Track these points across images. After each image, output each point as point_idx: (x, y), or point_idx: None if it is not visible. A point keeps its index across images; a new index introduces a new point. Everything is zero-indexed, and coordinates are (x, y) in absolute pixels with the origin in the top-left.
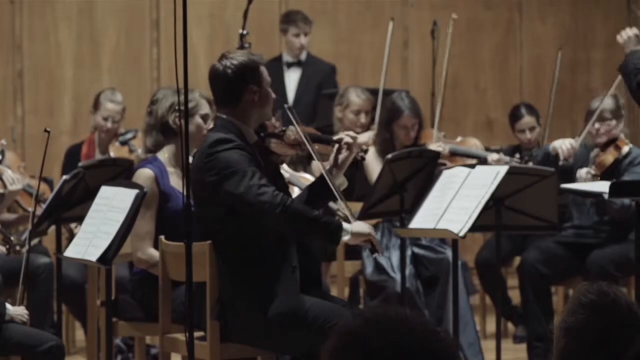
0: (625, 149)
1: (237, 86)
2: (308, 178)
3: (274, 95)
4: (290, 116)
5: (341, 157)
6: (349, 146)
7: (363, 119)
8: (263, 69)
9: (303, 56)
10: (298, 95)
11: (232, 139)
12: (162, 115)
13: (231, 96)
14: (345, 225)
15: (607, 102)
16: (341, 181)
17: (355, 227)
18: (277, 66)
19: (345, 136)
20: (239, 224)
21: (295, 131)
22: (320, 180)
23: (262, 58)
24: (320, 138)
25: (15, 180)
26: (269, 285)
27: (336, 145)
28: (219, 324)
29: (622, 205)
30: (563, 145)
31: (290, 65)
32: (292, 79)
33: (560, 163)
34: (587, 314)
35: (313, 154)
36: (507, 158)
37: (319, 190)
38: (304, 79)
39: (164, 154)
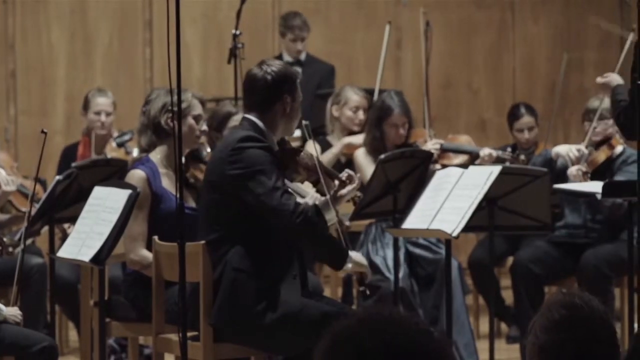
0: (619, 148)
1: (274, 93)
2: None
3: (300, 114)
4: (313, 146)
5: (342, 191)
6: (352, 182)
7: (361, 115)
8: (298, 85)
9: (302, 56)
10: None
11: (262, 138)
12: (154, 116)
13: (265, 101)
14: (350, 253)
15: (604, 102)
16: (331, 217)
17: (356, 257)
18: None
19: (351, 174)
20: (249, 222)
21: (309, 155)
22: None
23: (299, 73)
24: (328, 171)
25: (9, 181)
26: (270, 286)
27: (337, 182)
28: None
29: (614, 203)
30: (570, 152)
31: (290, 65)
32: None
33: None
34: (561, 333)
35: (324, 184)
36: (500, 152)
37: None
38: (304, 79)
39: (157, 155)
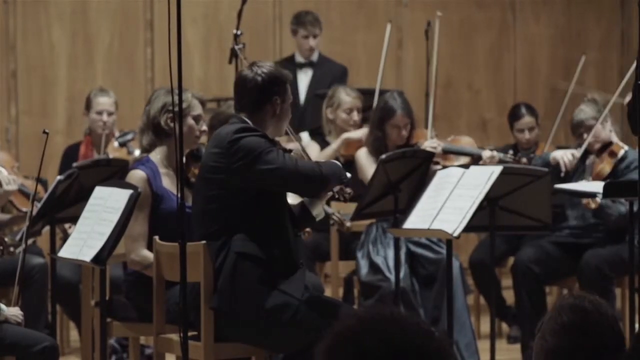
0: (621, 152)
1: (263, 94)
2: None
3: (290, 116)
4: (294, 137)
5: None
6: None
7: (356, 116)
8: (289, 86)
9: (314, 57)
10: (309, 96)
11: (255, 128)
12: (154, 116)
13: (255, 102)
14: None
15: (587, 110)
16: (318, 212)
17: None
18: (289, 67)
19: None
20: (255, 212)
21: (299, 155)
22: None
23: (290, 76)
24: None
25: (11, 180)
26: (273, 274)
27: None
28: (213, 315)
29: (619, 215)
30: (565, 157)
31: (302, 66)
32: (302, 79)
33: (562, 175)
34: (570, 337)
35: None
36: (501, 154)
37: (302, 214)
38: (315, 80)
39: (157, 155)
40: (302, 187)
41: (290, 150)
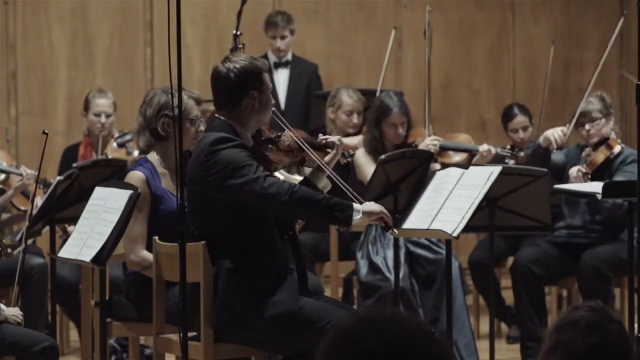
0: (617, 148)
1: (238, 90)
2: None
3: (273, 102)
4: (279, 121)
5: (326, 158)
6: (332, 147)
7: (355, 119)
8: (265, 76)
9: (289, 57)
10: (289, 96)
11: (233, 138)
12: (150, 121)
13: (231, 99)
14: (355, 205)
15: (594, 102)
16: (324, 184)
17: (366, 207)
18: None
19: (330, 140)
20: (235, 224)
21: (289, 136)
22: (308, 179)
23: (266, 64)
24: (312, 143)
25: (31, 176)
26: (265, 285)
27: (324, 150)
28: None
29: (614, 204)
30: (555, 133)
31: (277, 65)
32: (280, 80)
33: (553, 152)
34: (581, 331)
35: (313, 156)
36: (498, 149)
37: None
38: (293, 80)
39: (154, 156)
40: (266, 206)
41: (278, 135)
